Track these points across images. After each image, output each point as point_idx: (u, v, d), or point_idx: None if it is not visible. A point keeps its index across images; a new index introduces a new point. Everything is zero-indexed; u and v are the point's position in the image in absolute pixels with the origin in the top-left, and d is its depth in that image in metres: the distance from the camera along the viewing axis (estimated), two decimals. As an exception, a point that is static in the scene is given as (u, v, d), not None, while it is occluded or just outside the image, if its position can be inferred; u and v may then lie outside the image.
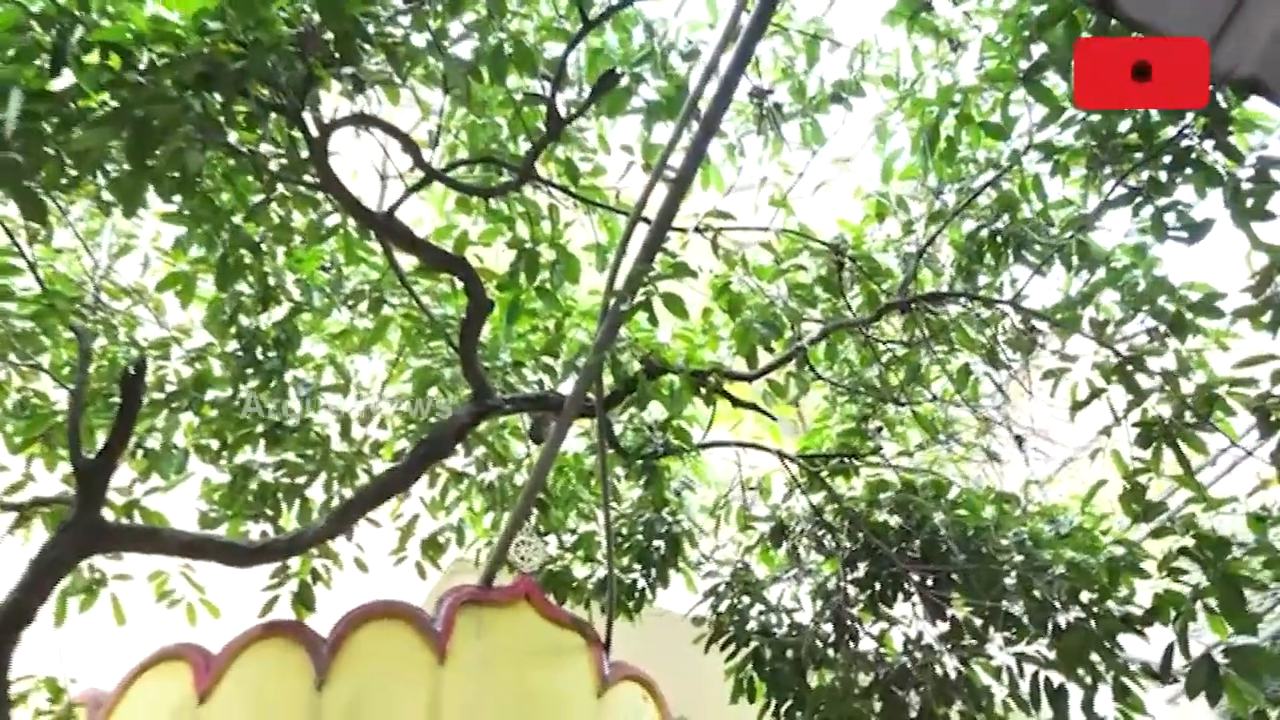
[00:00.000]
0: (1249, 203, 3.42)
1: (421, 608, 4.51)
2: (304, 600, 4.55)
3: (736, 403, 4.31)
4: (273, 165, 3.73)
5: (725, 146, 4.04)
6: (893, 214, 4.17)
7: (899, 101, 3.90)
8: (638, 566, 5.24)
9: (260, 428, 4.62)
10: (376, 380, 5.04)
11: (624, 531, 5.28)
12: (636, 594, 5.25)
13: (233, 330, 4.55)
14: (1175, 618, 3.54)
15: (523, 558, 5.14)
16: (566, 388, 4.60)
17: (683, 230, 3.83)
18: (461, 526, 5.23)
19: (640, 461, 4.74)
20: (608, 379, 4.39)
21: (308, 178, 3.59)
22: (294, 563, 4.61)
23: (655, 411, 4.80)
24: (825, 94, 3.92)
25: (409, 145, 3.51)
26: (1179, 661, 3.57)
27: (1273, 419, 3.40)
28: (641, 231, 3.78)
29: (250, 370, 4.58)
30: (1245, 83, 1.44)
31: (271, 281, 4.42)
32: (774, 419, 4.47)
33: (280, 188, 3.83)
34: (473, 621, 4.58)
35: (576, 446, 5.15)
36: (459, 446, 5.14)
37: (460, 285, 3.99)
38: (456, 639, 4.46)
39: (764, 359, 4.40)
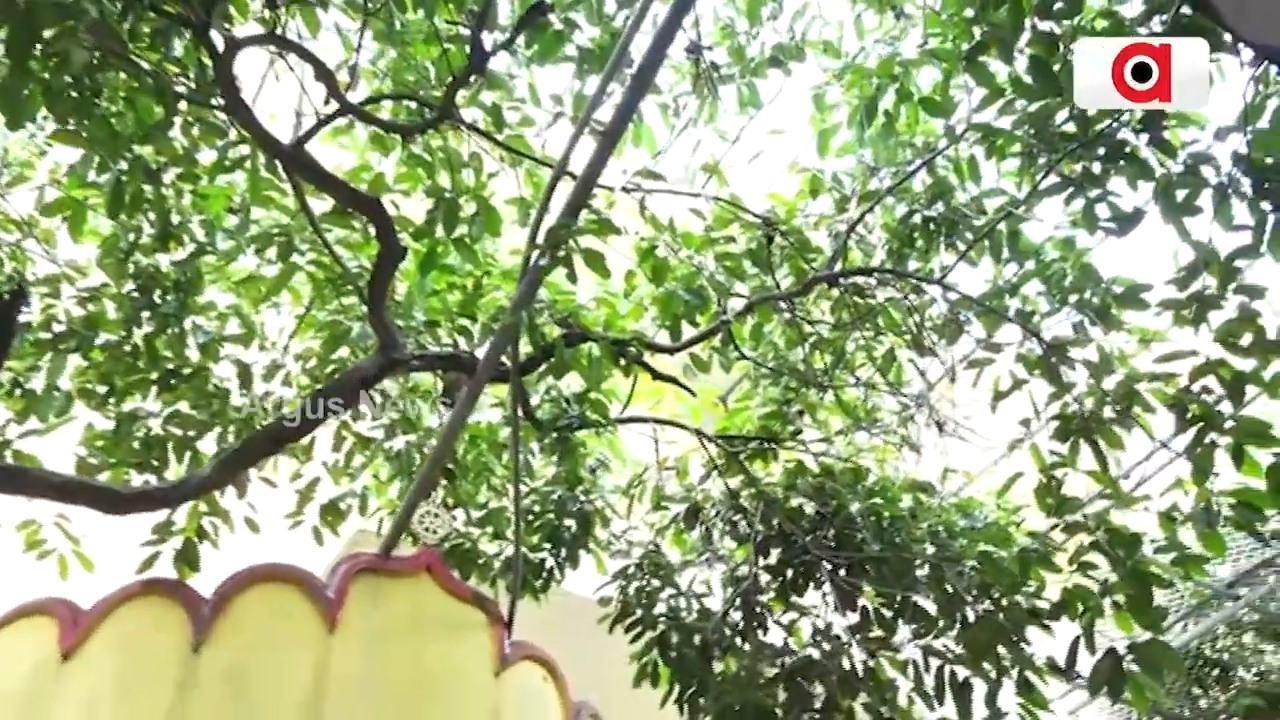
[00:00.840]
0: (1179, 197, 3.40)
1: (313, 573, 4.28)
2: (187, 559, 4.29)
3: (657, 376, 4.17)
4: (179, 89, 3.50)
5: (659, 105, 3.91)
6: (827, 190, 4.08)
7: (840, 73, 3.81)
8: (547, 546, 5.08)
9: (154, 374, 4.35)
10: (283, 334, 4.80)
11: (534, 509, 5.11)
12: (544, 574, 5.09)
13: (129, 270, 4.28)
14: (1083, 613, 3.50)
15: (427, 529, 4.93)
16: (483, 353, 4.41)
17: (610, 188, 3.68)
18: (365, 494, 5.00)
19: (555, 434, 4.57)
20: (525, 345, 4.23)
21: (214, 101, 3.36)
22: (179, 518, 4.34)
23: (573, 384, 4.65)
24: (764, 58, 3.81)
25: (324, 74, 3.31)
26: (1084, 658, 3.53)
27: (1189, 415, 3.37)
28: (567, 188, 3.64)
29: (146, 313, 4.31)
30: (1192, -2, 1.34)
31: (174, 219, 4.16)
32: (694, 394, 4.34)
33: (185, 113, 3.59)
34: (368, 591, 4.36)
35: (490, 416, 4.96)
36: (366, 410, 4.93)
37: (373, 233, 3.79)
38: (350, 608, 4.24)
39: (687, 334, 4.28)
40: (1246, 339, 3.31)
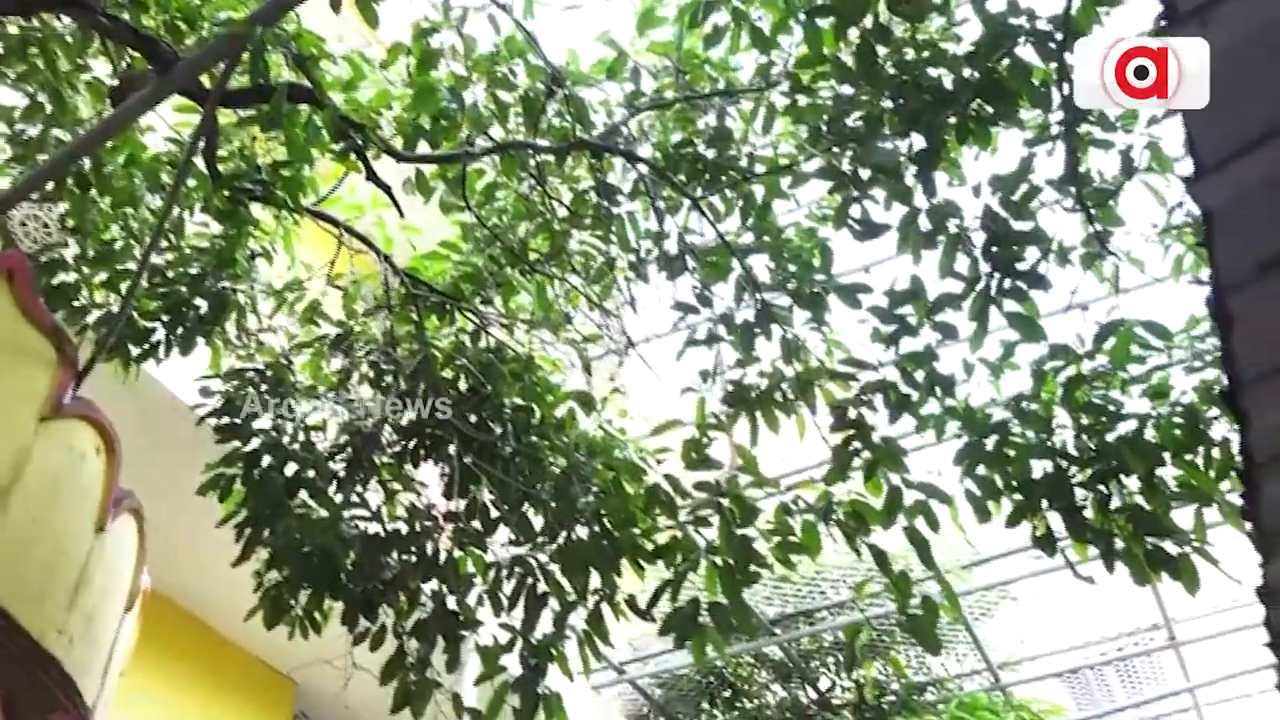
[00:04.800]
0: (922, 227, 3.56)
1: None
2: None
3: (373, 176, 3.74)
4: None
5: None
6: (622, 80, 3.88)
7: (691, -36, 3.64)
8: (165, 318, 4.40)
9: None
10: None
11: (168, 272, 4.43)
12: (147, 346, 4.41)
13: None
14: (681, 562, 3.54)
15: (27, 232, 4.11)
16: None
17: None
18: (-36, 166, 4.06)
19: (229, 195, 3.96)
20: (243, 78, 3.63)
21: None
22: None
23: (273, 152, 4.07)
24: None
25: None
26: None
27: (846, 421, 3.53)
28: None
29: None
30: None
31: None
32: (402, 215, 3.94)
33: None
34: (-81, 265, 3.50)
35: (160, 145, 4.22)
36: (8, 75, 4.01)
37: None
38: (-115, 273, 3.37)
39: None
40: (920, 375, 3.52)
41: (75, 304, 4.42)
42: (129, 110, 3.45)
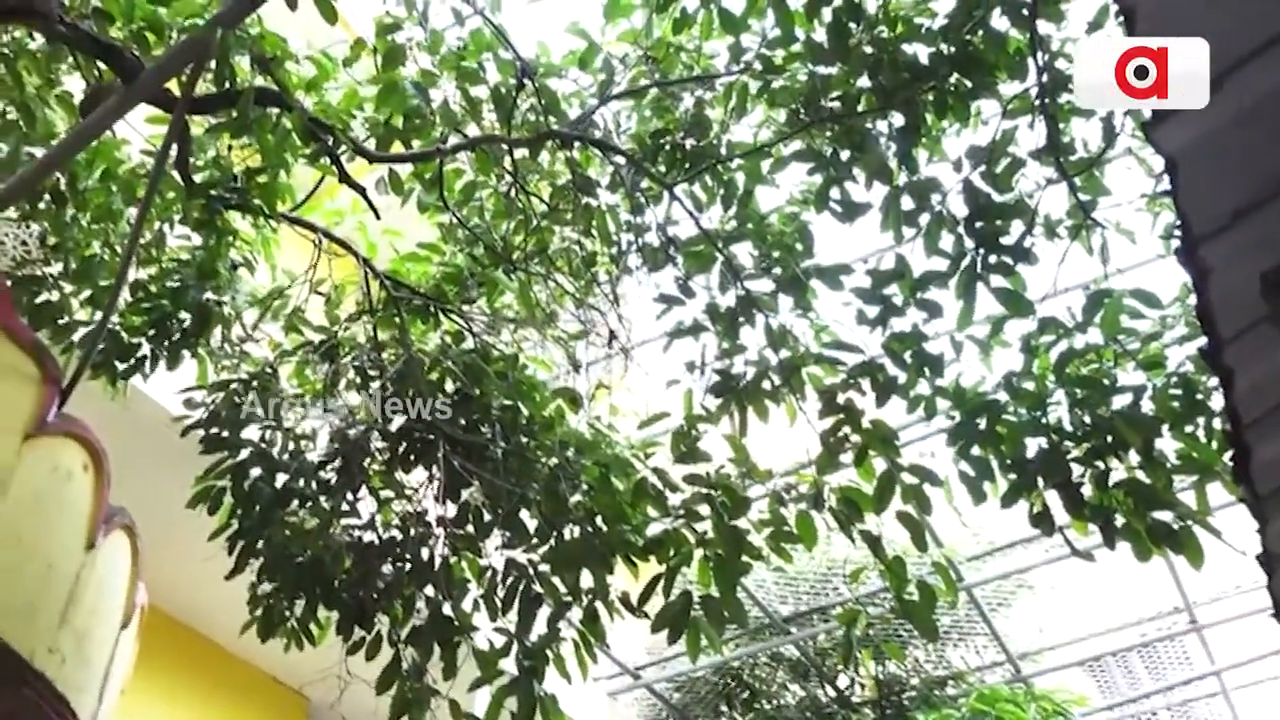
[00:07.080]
0: (905, 206, 3.49)
1: None
2: None
3: (345, 178, 3.69)
4: None
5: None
6: (595, 72, 3.82)
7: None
8: (151, 332, 4.37)
9: None
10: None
11: (150, 287, 4.40)
12: (134, 360, 4.38)
13: None
14: (673, 556, 3.47)
15: (5, 251, 4.09)
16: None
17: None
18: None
19: (204, 204, 3.92)
20: (209, 85, 3.60)
21: None
22: None
23: (247, 159, 4.03)
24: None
25: None
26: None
27: (836, 404, 3.46)
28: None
29: None
30: None
31: None
32: (378, 216, 3.90)
33: None
34: (-107, 285, 3.48)
35: (136, 155, 4.19)
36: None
37: None
38: None
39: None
40: (908, 356, 3.44)
41: (59, 322, 4.41)
42: (96, 122, 3.41)
